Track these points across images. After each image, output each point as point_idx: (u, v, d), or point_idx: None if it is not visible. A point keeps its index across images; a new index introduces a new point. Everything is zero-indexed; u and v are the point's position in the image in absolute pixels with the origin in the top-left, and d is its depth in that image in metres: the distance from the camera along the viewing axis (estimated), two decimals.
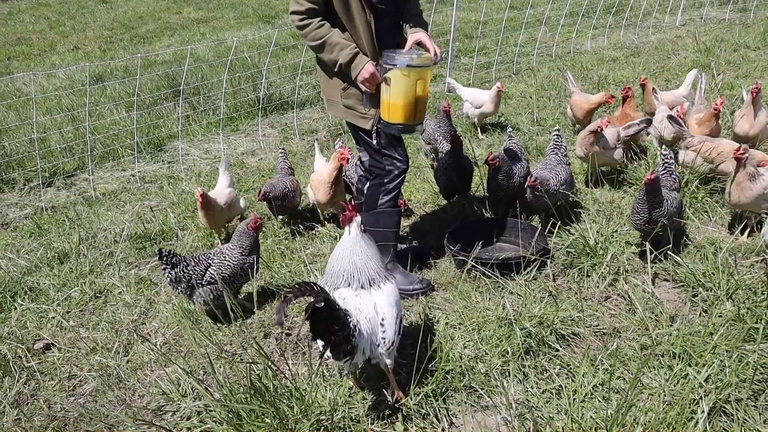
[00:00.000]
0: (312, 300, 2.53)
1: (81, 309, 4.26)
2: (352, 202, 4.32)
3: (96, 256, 4.86)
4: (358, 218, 3.07)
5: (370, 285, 2.96)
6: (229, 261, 3.84)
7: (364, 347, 2.81)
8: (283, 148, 5.34)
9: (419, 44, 3.73)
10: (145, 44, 13.22)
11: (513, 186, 4.54)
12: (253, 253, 3.91)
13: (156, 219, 5.34)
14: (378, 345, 2.86)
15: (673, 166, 4.33)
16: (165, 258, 3.77)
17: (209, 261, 3.86)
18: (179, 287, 3.82)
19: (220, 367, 3.36)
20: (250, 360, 3.29)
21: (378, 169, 3.90)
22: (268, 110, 7.94)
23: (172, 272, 3.79)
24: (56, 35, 14.63)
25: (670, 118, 5.05)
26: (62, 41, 14.00)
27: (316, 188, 4.79)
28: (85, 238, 5.14)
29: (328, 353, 2.70)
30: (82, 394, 3.47)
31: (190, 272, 3.79)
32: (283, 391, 3.03)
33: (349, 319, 2.75)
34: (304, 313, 2.57)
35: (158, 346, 3.69)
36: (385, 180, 3.90)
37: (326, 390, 3.16)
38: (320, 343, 2.73)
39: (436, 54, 3.66)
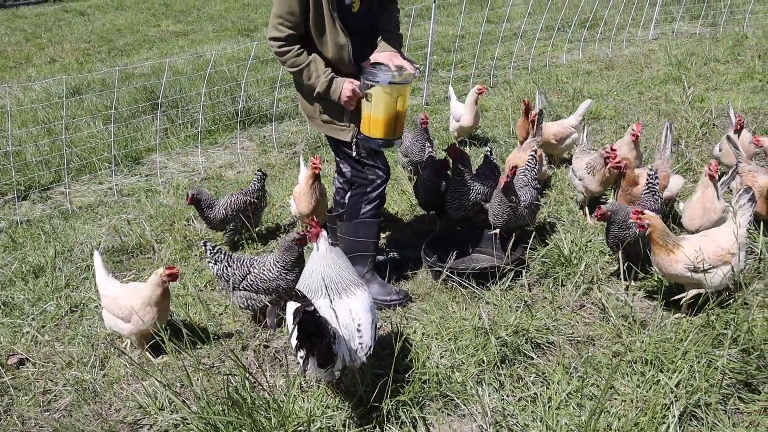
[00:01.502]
0: (300, 305, 2.59)
1: (56, 323, 4.22)
2: (332, 213, 4.39)
3: (72, 269, 4.83)
4: (324, 233, 3.14)
5: (344, 294, 3.02)
6: (268, 274, 3.80)
7: (344, 354, 2.84)
8: (260, 170, 5.16)
9: (378, 63, 3.69)
10: (123, 57, 13.16)
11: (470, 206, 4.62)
12: (295, 268, 3.79)
13: (133, 232, 5.31)
14: (356, 350, 2.91)
15: (656, 186, 4.25)
16: (209, 252, 3.84)
17: (251, 268, 3.84)
18: (220, 284, 3.89)
19: (198, 379, 3.35)
20: (228, 372, 3.29)
21: (360, 179, 3.95)
22: (246, 123, 7.95)
23: (214, 268, 3.84)
24: (32, 47, 14.51)
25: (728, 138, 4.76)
26: (38, 53, 13.89)
27: (297, 199, 4.81)
28: (60, 251, 5.10)
29: (310, 363, 2.72)
30: (57, 409, 3.44)
31: (230, 274, 3.81)
32: (261, 402, 3.04)
33: (330, 327, 2.78)
34: (292, 317, 2.62)
35: (135, 360, 3.67)
36: (368, 189, 3.95)
37: (304, 401, 3.17)
38: (301, 353, 2.74)
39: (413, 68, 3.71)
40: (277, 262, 3.81)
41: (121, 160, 7.10)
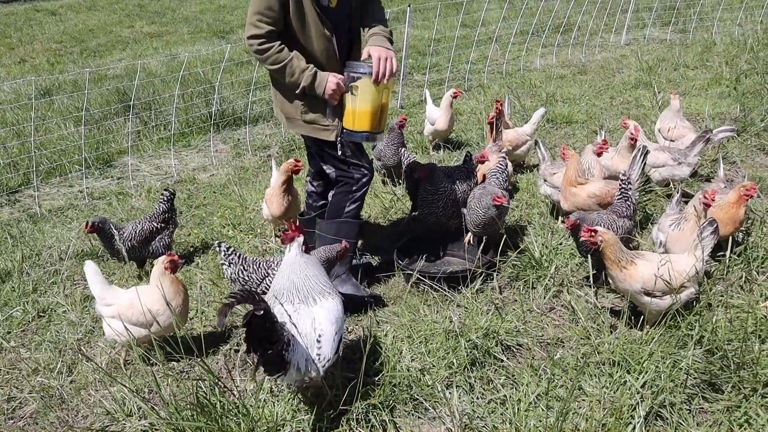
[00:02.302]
0: (252, 308, 2.53)
1: (23, 329, 4.15)
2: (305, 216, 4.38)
3: (40, 274, 4.75)
4: (300, 239, 3.08)
5: (309, 302, 2.94)
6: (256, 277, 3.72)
7: (299, 362, 2.78)
8: (167, 189, 4.71)
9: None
10: (95, 58, 13.01)
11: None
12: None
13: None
14: (314, 360, 2.84)
15: (629, 192, 4.25)
16: (224, 254, 3.70)
17: (269, 271, 3.72)
18: (234, 287, 3.75)
19: (167, 385, 3.32)
20: (197, 377, 3.27)
21: (347, 178, 3.95)
22: (220, 126, 7.91)
23: (228, 270, 3.71)
24: (1, 47, 14.28)
25: None
26: (8, 53, 13.68)
27: (269, 201, 4.80)
28: (28, 255, 5.02)
29: (260, 369, 2.68)
30: (22, 417, 3.38)
31: (246, 277, 3.70)
32: (230, 407, 3.01)
33: (285, 334, 2.72)
34: (242, 320, 2.56)
35: (103, 366, 3.62)
36: (353, 188, 3.95)
37: (273, 405, 3.16)
38: (255, 357, 2.70)
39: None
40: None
41: (92, 163, 7.02)
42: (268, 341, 2.64)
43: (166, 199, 4.59)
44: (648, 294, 3.46)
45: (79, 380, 3.60)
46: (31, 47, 14.31)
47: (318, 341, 2.84)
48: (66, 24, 17.10)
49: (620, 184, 4.32)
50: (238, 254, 3.76)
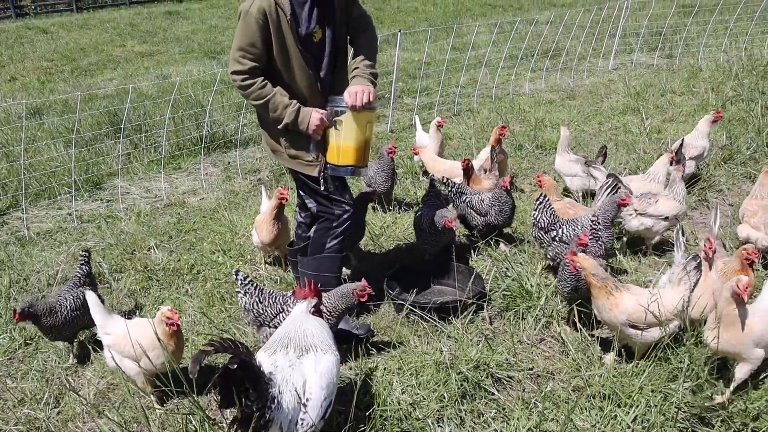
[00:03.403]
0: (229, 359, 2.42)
1: (9, 357, 4.11)
2: (294, 246, 4.37)
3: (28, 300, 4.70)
4: (313, 301, 3.06)
5: (304, 360, 2.84)
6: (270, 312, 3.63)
7: (282, 422, 2.65)
8: (84, 249, 4.38)
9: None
10: (86, 77, 13.01)
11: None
12: (342, 317, 3.65)
13: (93, 261, 5.20)
14: (297, 424, 2.70)
15: (600, 233, 4.23)
16: (240, 283, 3.64)
17: (284, 306, 3.62)
18: (248, 317, 3.69)
19: (155, 419, 3.29)
20: (187, 411, 3.24)
21: (327, 214, 3.95)
22: (211, 148, 7.91)
23: (243, 299, 3.65)
24: None
25: None
26: None
27: (259, 228, 4.80)
28: (16, 280, 4.98)
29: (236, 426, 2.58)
30: None
31: (260, 310, 3.63)
32: None
33: (270, 390, 2.62)
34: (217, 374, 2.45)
35: (90, 397, 3.58)
36: (334, 224, 3.95)
37: None
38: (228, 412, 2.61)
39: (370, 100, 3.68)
40: (326, 305, 3.55)
41: (82, 185, 6.98)
42: (247, 396, 2.53)
43: (83, 261, 4.23)
44: (633, 327, 3.48)
45: (67, 411, 3.56)
46: (22, 65, 14.28)
47: (304, 405, 2.72)
48: (57, 42, 17.09)
49: (591, 225, 4.32)
50: (255, 285, 3.69)
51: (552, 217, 4.57)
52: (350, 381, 3.51)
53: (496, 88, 10.09)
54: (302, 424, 2.70)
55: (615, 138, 7.58)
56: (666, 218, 4.78)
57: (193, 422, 3.02)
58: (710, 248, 3.69)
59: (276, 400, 2.63)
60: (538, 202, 4.61)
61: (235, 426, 2.60)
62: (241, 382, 2.51)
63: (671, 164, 5.25)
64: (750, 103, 8.16)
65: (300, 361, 2.83)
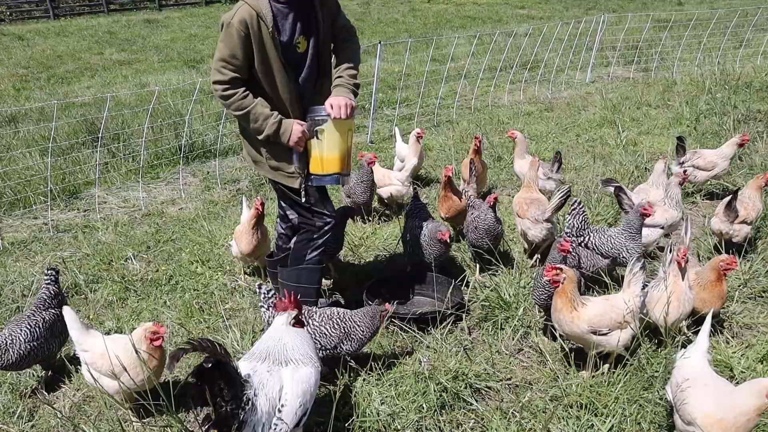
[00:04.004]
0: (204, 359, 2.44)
1: None
2: (276, 255, 4.36)
3: (1, 311, 4.63)
4: (293, 313, 3.06)
5: (281, 369, 2.85)
6: (331, 331, 3.59)
7: (255, 425, 2.66)
8: (51, 268, 4.00)
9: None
10: (63, 85, 12.86)
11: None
12: (366, 333, 3.64)
13: (69, 271, 5.15)
14: (270, 429, 2.72)
15: (579, 249, 4.27)
16: (263, 296, 3.59)
17: (309, 319, 3.56)
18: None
19: (132, 431, 3.26)
20: (164, 423, 3.21)
21: (308, 225, 3.95)
22: (190, 158, 7.87)
23: (266, 313, 3.60)
24: None
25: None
26: None
27: (238, 239, 4.79)
28: None
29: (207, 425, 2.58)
30: None
31: None
32: None
33: (245, 392, 2.63)
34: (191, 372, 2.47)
35: (66, 410, 3.53)
36: (314, 236, 3.95)
37: None
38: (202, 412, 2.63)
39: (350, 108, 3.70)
40: (350, 321, 3.62)
41: (58, 194, 6.90)
42: (221, 396, 2.53)
43: (51, 280, 3.89)
44: (594, 332, 3.53)
45: (41, 425, 3.50)
46: None
47: (279, 411, 2.74)
48: (33, 49, 16.89)
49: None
50: (275, 296, 3.64)
51: (583, 223, 4.58)
52: (329, 392, 3.50)
53: (475, 99, 10.18)
54: (275, 429, 2.71)
55: (592, 150, 7.69)
56: (662, 227, 4.86)
57: None
58: (683, 256, 3.73)
59: (251, 402, 2.64)
60: (571, 208, 4.60)
61: (207, 426, 2.60)
62: (216, 382, 2.53)
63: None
64: (722, 117, 8.34)
65: (278, 368, 2.84)
